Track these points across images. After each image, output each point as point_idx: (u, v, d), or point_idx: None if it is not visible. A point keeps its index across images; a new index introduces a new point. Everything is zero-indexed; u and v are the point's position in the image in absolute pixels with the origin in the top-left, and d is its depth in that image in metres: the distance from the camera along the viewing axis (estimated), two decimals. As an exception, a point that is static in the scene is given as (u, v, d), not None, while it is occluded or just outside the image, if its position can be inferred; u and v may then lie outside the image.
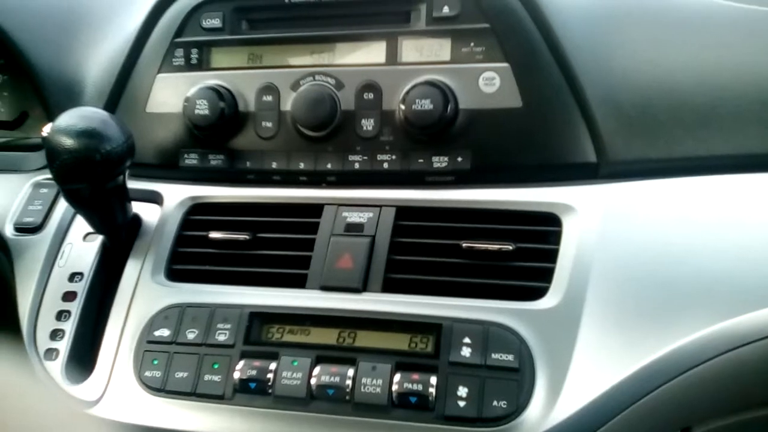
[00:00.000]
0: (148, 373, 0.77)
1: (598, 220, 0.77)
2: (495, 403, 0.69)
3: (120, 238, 0.87)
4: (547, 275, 0.76)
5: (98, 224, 0.85)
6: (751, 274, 0.72)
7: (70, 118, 0.75)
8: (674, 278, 0.73)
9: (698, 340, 0.70)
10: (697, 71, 0.80)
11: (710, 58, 0.81)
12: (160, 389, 0.76)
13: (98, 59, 0.97)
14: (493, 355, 0.71)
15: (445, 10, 0.83)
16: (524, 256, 0.77)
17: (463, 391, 0.70)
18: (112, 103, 0.94)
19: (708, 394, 0.72)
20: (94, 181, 0.77)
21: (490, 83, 0.82)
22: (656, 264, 0.74)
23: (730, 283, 0.72)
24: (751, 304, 0.71)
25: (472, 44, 0.83)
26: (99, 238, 0.88)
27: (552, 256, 0.77)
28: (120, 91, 0.94)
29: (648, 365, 0.70)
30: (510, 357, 0.71)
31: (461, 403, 0.70)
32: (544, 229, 0.79)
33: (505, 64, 0.82)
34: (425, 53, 0.84)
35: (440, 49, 0.84)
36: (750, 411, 0.77)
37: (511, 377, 0.70)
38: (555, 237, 0.78)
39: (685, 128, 0.80)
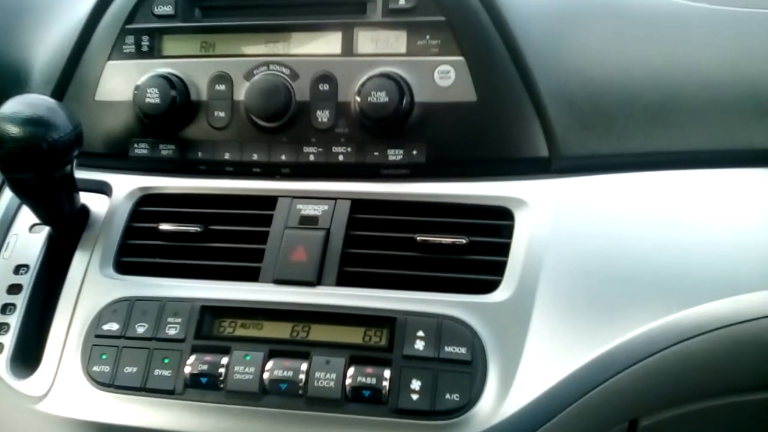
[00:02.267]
0: (96, 368, 0.76)
1: (549, 214, 0.78)
2: (448, 396, 0.70)
3: (67, 229, 0.85)
4: (499, 269, 0.76)
5: (44, 215, 0.83)
6: (698, 269, 0.74)
7: (15, 106, 0.73)
8: (624, 272, 0.74)
9: (647, 333, 0.72)
10: (650, 68, 0.81)
11: (663, 55, 0.82)
12: (109, 384, 0.75)
13: (46, 45, 0.94)
14: (446, 348, 0.72)
15: (402, 1, 0.83)
16: (477, 250, 0.78)
17: (416, 385, 0.70)
18: (59, 91, 0.92)
19: (656, 386, 0.74)
20: (40, 171, 0.75)
21: (446, 77, 0.82)
22: (606, 258, 0.75)
23: (678, 277, 0.74)
24: (698, 298, 0.73)
25: (427, 37, 0.82)
26: (45, 230, 0.86)
27: (504, 249, 0.77)
28: (68, 78, 0.91)
29: (598, 358, 0.71)
30: (463, 350, 0.71)
31: (414, 397, 0.70)
32: (496, 223, 0.79)
33: (461, 58, 0.82)
34: (381, 45, 0.84)
35: (396, 41, 0.83)
36: (695, 402, 0.79)
37: (463, 370, 0.71)
38: (507, 231, 0.78)
39: (636, 124, 0.81)
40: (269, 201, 0.84)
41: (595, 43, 0.83)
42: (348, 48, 0.84)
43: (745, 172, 0.79)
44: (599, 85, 0.82)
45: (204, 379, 0.73)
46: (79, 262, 0.83)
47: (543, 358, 0.71)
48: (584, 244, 0.76)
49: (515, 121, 0.82)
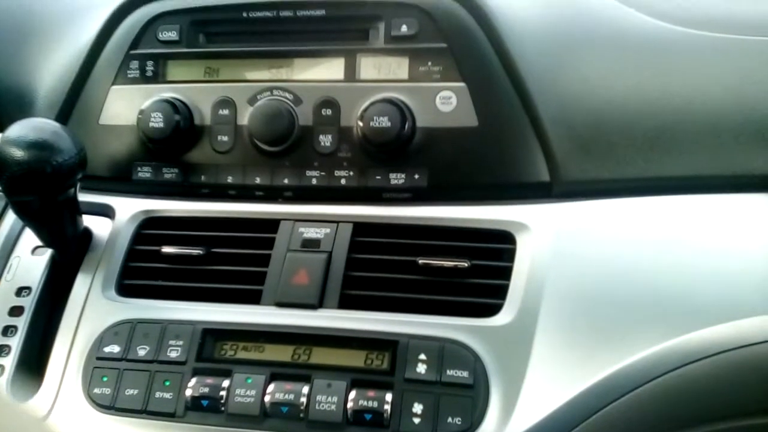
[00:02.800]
0: (97, 390, 0.76)
1: (551, 238, 0.78)
2: (450, 419, 0.69)
3: (70, 252, 0.85)
4: (501, 292, 0.76)
5: (47, 237, 0.83)
6: (699, 293, 0.74)
7: (20, 129, 0.74)
8: (625, 296, 0.74)
9: (648, 358, 0.71)
10: (650, 94, 0.82)
11: (663, 82, 0.82)
12: (110, 407, 0.75)
13: (51, 69, 0.95)
14: (448, 372, 0.71)
15: (404, 29, 0.84)
16: (479, 273, 0.78)
17: (418, 408, 0.70)
18: (64, 115, 0.92)
19: (657, 410, 0.73)
20: (44, 194, 0.76)
21: (447, 102, 0.83)
22: (608, 282, 0.75)
23: (679, 302, 0.74)
24: (699, 322, 0.72)
25: (429, 63, 0.83)
26: (48, 252, 0.86)
27: (506, 273, 0.77)
28: (73, 102, 0.92)
29: (599, 382, 0.71)
30: (465, 373, 0.71)
31: (416, 420, 0.70)
32: (498, 246, 0.80)
33: (462, 84, 0.83)
34: (383, 71, 0.85)
35: (398, 67, 0.84)
36: (696, 427, 0.78)
37: (465, 394, 0.71)
38: (509, 254, 0.79)
39: (636, 149, 0.81)
40: (271, 224, 0.84)
41: (595, 70, 0.84)
42: (351, 74, 0.85)
43: (745, 197, 0.79)
44: (599, 111, 0.82)
45: (205, 402, 0.73)
46: (81, 284, 0.83)
47: (545, 382, 0.71)
48: (586, 268, 0.76)
49: (516, 146, 0.83)
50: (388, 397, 0.71)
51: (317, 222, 0.83)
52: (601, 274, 0.76)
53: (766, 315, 0.73)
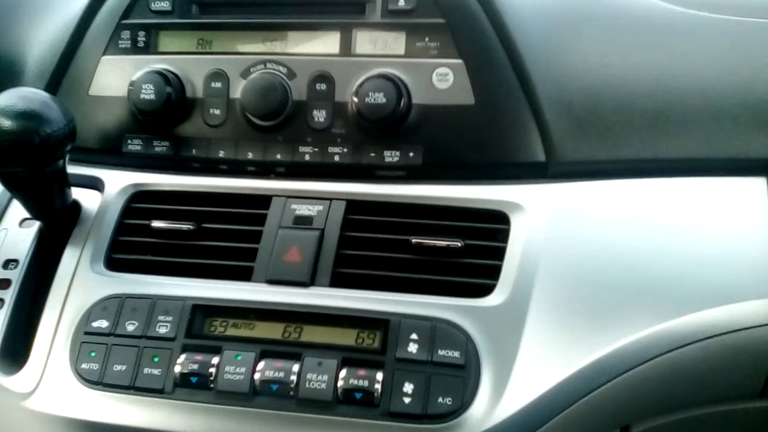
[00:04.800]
0: (84, 365, 0.75)
1: (545, 219, 0.78)
2: (440, 399, 0.69)
3: (58, 224, 0.84)
4: (494, 273, 0.76)
5: (35, 210, 0.82)
6: (693, 277, 0.74)
7: (8, 99, 0.72)
8: (618, 278, 0.74)
9: (641, 340, 0.72)
10: (648, 75, 0.81)
11: (661, 63, 0.82)
12: (97, 382, 0.74)
13: (40, 38, 0.93)
14: (440, 352, 0.71)
15: (401, 3, 0.83)
16: (473, 253, 0.78)
17: (408, 388, 0.70)
18: (53, 84, 0.91)
19: (649, 393, 0.74)
20: (32, 165, 0.75)
21: (444, 79, 0.82)
22: (601, 264, 0.75)
23: (672, 285, 0.74)
24: (692, 306, 0.73)
25: (426, 39, 0.82)
26: (36, 224, 0.85)
27: (500, 253, 0.77)
28: (62, 72, 0.91)
29: (591, 364, 0.71)
30: (456, 354, 0.71)
31: (407, 400, 0.69)
32: (492, 226, 0.79)
33: (459, 61, 0.81)
34: (379, 46, 0.83)
35: (395, 42, 0.83)
36: (687, 410, 0.79)
37: (456, 374, 0.70)
38: (503, 235, 0.78)
39: (633, 131, 0.81)
40: (263, 200, 0.83)
41: (593, 49, 0.83)
42: (346, 48, 0.84)
43: (741, 180, 0.79)
44: (597, 91, 0.81)
45: (194, 379, 0.72)
46: (69, 258, 0.82)
47: (536, 363, 0.71)
48: (579, 249, 0.76)
49: (512, 126, 0.82)
50: (379, 376, 0.70)
51: (310, 199, 0.82)
52: (595, 256, 0.76)
53: (760, 299, 0.73)
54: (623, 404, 0.73)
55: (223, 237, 0.82)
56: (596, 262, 0.75)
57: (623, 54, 0.83)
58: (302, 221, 0.81)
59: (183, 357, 0.73)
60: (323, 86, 0.84)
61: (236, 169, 0.86)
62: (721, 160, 0.80)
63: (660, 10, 0.85)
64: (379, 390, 0.70)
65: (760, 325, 0.73)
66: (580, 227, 0.77)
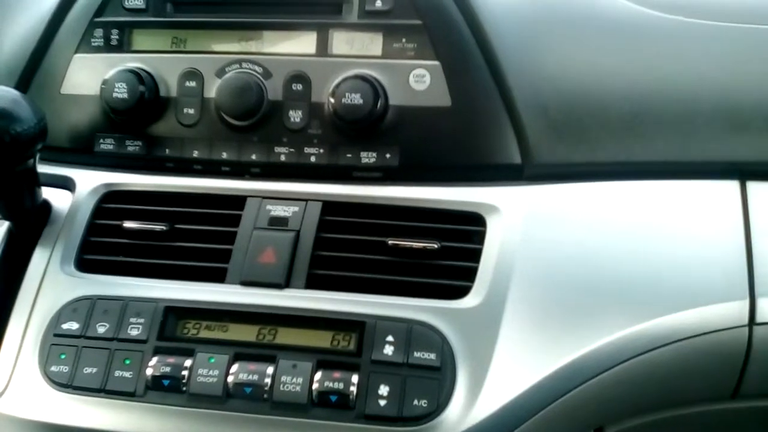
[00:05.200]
0: (54, 368, 0.73)
1: (521, 221, 0.78)
2: (416, 402, 0.69)
3: (28, 224, 0.83)
4: (470, 274, 0.76)
5: (5, 209, 0.81)
6: (666, 279, 0.75)
7: None
8: (593, 281, 0.75)
9: (614, 342, 0.72)
10: (624, 79, 0.82)
11: (637, 66, 0.82)
12: (67, 385, 0.73)
13: (11, 34, 0.92)
14: (416, 354, 0.71)
15: (378, 4, 0.83)
16: (449, 255, 0.77)
17: (384, 390, 0.70)
18: (24, 83, 0.89)
19: (622, 395, 0.74)
20: (1, 164, 0.73)
21: (421, 80, 0.82)
22: (576, 266, 0.76)
23: (646, 288, 0.74)
24: (665, 309, 0.73)
25: (403, 40, 0.82)
26: (5, 224, 0.83)
27: (476, 255, 0.77)
28: (33, 70, 0.89)
29: (566, 366, 0.71)
30: (432, 356, 0.71)
31: (382, 402, 0.69)
32: (468, 228, 0.79)
33: (436, 62, 0.81)
34: (356, 47, 0.83)
35: (371, 43, 0.83)
36: (660, 411, 0.80)
37: (432, 376, 0.70)
38: (479, 237, 0.78)
39: (608, 134, 0.81)
40: (238, 201, 0.82)
41: (569, 52, 0.84)
42: (323, 48, 0.84)
43: (715, 183, 0.80)
44: (573, 94, 0.82)
45: (166, 382, 0.71)
46: (39, 258, 0.81)
47: (512, 365, 0.71)
48: (555, 251, 0.76)
49: (489, 128, 0.82)
50: (354, 378, 0.70)
51: (285, 200, 0.81)
52: (570, 258, 0.76)
53: (730, 302, 0.74)
54: (597, 406, 0.74)
55: (196, 238, 0.81)
56: (571, 264, 0.76)
57: (599, 57, 0.83)
58: (277, 222, 0.80)
59: (155, 359, 0.72)
60: (299, 86, 0.83)
61: (210, 169, 0.86)
62: (695, 164, 0.81)
63: (636, 14, 0.85)
64: (355, 392, 0.69)
65: (730, 328, 0.73)
66: (556, 229, 0.78)
